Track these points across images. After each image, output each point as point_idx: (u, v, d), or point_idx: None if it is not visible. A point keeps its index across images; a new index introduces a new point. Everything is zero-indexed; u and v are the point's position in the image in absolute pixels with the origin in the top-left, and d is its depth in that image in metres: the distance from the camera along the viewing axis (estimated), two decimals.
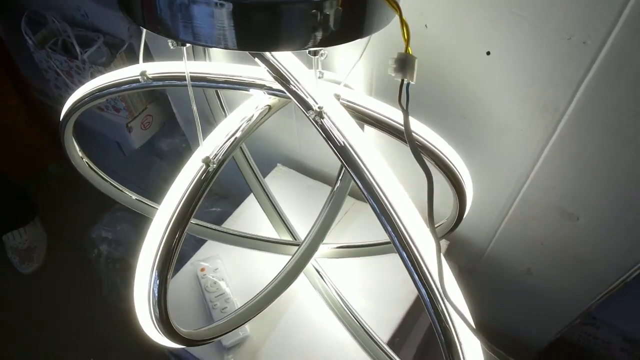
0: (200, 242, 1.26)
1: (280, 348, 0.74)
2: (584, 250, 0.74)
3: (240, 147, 0.86)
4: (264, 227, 0.87)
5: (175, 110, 1.14)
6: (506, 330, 1.06)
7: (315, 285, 0.78)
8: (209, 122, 1.10)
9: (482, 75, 0.60)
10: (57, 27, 1.10)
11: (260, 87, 0.55)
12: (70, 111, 0.65)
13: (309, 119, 0.46)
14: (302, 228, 0.85)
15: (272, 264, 0.82)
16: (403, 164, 0.59)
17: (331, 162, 0.94)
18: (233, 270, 0.83)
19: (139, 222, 1.32)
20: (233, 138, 0.52)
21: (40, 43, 1.11)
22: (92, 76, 1.08)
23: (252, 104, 0.56)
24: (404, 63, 0.38)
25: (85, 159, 0.73)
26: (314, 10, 0.38)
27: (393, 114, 0.53)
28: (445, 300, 0.41)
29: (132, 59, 1.11)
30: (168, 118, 1.27)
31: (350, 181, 0.76)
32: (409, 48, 0.38)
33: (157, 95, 1.21)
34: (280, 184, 0.95)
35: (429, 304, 0.41)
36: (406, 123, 0.41)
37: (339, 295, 0.75)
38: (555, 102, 0.57)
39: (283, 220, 0.82)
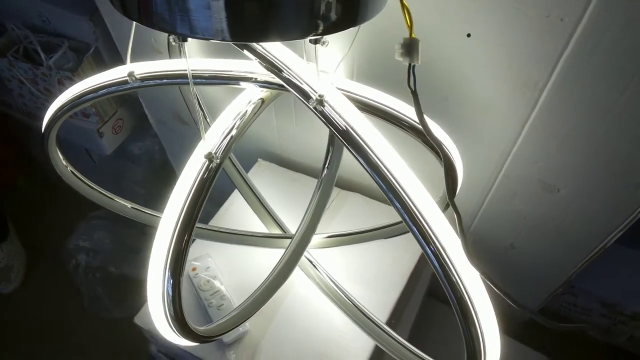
0: None
1: (280, 340, 0.75)
2: (564, 221, 0.77)
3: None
4: (252, 223, 0.87)
5: (147, 112, 1.12)
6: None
7: (309, 274, 0.78)
8: (183, 122, 1.09)
9: (463, 57, 0.62)
10: (18, 34, 1.07)
11: (253, 80, 0.55)
12: (53, 118, 0.64)
13: (310, 108, 0.47)
14: (290, 221, 0.85)
15: (263, 258, 0.83)
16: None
17: (313, 154, 0.94)
18: (225, 268, 0.83)
19: (116, 229, 1.30)
20: (230, 136, 0.52)
21: (0, 52, 1.08)
22: (60, 82, 1.06)
23: (245, 99, 0.57)
24: (410, 47, 0.40)
25: (69, 167, 0.72)
26: None
27: (386, 100, 0.54)
28: (459, 271, 0.42)
29: (100, 62, 1.08)
30: (139, 121, 1.25)
31: (337, 168, 0.77)
32: (413, 33, 0.40)
33: (127, 98, 1.19)
34: (264, 179, 0.95)
35: (442, 275, 0.42)
36: (417, 105, 0.42)
37: (334, 282, 0.76)
38: (535, 79, 0.59)
39: (271, 215, 0.83)
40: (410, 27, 0.39)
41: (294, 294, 0.80)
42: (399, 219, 0.79)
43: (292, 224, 0.86)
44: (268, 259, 0.83)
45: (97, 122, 1.14)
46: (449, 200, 0.44)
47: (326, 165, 0.77)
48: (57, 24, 1.07)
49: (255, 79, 0.55)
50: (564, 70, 0.57)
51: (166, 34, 0.86)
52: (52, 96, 1.11)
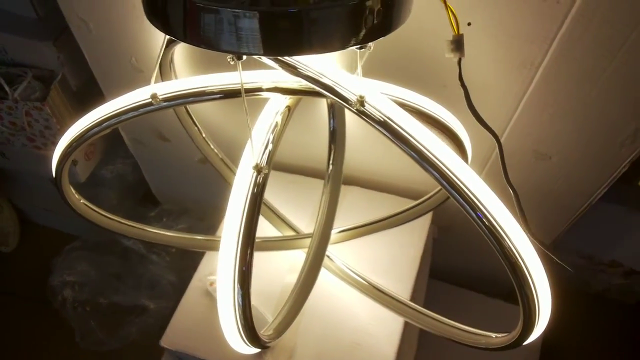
0: (174, 261, 1.23)
1: (313, 337, 0.77)
2: (555, 185, 0.83)
3: (217, 153, 0.86)
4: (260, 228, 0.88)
5: (123, 133, 1.10)
6: (483, 273, 1.16)
7: (329, 268, 0.81)
8: (164, 139, 1.07)
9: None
10: None
11: (278, 90, 0.56)
12: (67, 151, 0.62)
13: (352, 111, 0.49)
14: (299, 221, 0.87)
15: (276, 262, 0.84)
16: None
17: (307, 155, 0.96)
18: None
19: (97, 258, 1.26)
20: (268, 149, 0.54)
21: None
22: (28, 114, 1.02)
23: (271, 110, 0.58)
24: (459, 43, 0.43)
25: (83, 201, 0.70)
26: (361, 9, 0.41)
27: (413, 97, 0.57)
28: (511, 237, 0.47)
29: (67, 89, 1.05)
30: (109, 144, 1.22)
31: (342, 164, 0.79)
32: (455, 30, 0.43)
33: None
34: None
35: (495, 243, 0.46)
36: (467, 95, 0.46)
37: (354, 272, 0.79)
38: (531, 58, 0.64)
39: (281, 218, 0.84)
40: (457, 26, 0.43)
41: (315, 290, 0.82)
42: (404, 206, 0.83)
43: (301, 224, 0.87)
44: (282, 261, 0.85)
45: None
46: (505, 178, 0.48)
47: (330, 162, 0.80)
48: (15, 52, 1.02)
49: (278, 87, 0.57)
50: (558, 48, 0.62)
51: (148, 54, 0.85)
52: (18, 129, 1.06)
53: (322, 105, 0.83)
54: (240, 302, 0.51)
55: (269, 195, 0.88)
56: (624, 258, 1.09)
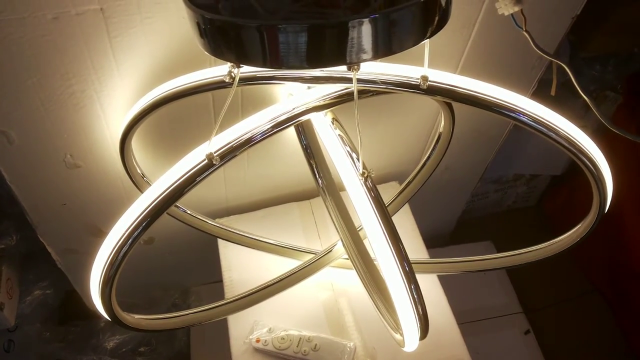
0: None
1: (378, 332, 0.78)
2: (482, 124, 0.98)
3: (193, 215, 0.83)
4: (267, 272, 0.85)
5: (51, 248, 0.94)
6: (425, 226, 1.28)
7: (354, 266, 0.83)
8: (103, 234, 0.96)
9: None
10: None
11: (316, 109, 0.58)
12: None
13: (420, 92, 0.54)
14: (305, 244, 0.88)
15: (304, 290, 0.84)
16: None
17: (269, 186, 0.96)
18: (282, 317, 0.81)
19: None
20: (358, 159, 0.56)
21: None
22: None
23: (325, 129, 0.59)
24: None
25: (139, 317, 0.64)
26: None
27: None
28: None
29: None
30: (20, 273, 1.04)
31: (329, 172, 0.82)
32: None
33: (4, 254, 0.99)
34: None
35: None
36: (532, 39, 0.54)
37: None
38: (470, 18, 0.76)
39: (291, 248, 0.84)
40: None
41: (351, 291, 0.84)
42: (385, 193, 0.88)
43: (314, 245, 0.89)
44: (308, 287, 0.85)
45: None
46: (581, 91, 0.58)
47: (318, 176, 0.82)
48: None
49: (317, 106, 0.58)
50: (488, 3, 0.74)
51: (85, 145, 0.76)
52: None
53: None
54: (416, 296, 0.53)
55: (267, 233, 0.87)
56: (523, 168, 1.30)
